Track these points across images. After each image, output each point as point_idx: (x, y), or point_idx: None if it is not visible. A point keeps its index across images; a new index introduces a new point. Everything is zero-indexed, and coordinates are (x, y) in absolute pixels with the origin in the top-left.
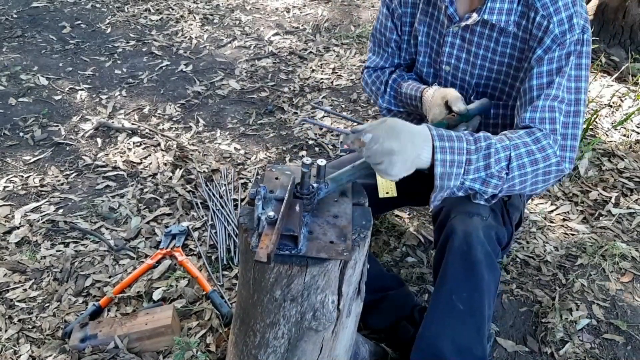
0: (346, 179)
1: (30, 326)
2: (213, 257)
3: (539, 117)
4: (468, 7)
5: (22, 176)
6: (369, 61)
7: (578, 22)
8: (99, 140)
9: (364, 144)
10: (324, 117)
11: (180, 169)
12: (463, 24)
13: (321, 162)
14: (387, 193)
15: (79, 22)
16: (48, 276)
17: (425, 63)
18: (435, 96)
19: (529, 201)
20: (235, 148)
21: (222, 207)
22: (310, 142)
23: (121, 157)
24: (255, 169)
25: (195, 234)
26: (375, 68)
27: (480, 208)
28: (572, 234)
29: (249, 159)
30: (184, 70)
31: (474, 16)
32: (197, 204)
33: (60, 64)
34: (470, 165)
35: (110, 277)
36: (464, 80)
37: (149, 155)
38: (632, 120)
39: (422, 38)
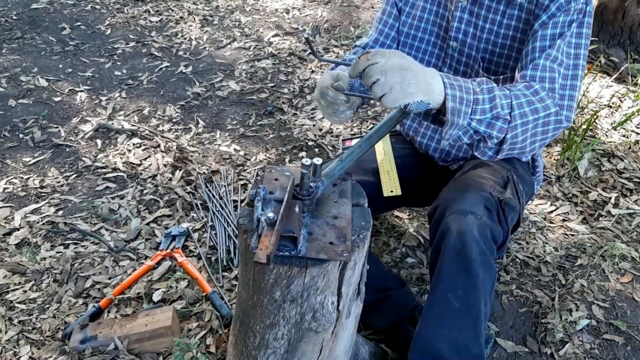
0: (338, 171)
1: (30, 327)
2: (213, 259)
3: (539, 76)
4: None
5: (22, 177)
6: (359, 41)
7: None
8: (98, 142)
9: (367, 57)
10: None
11: (180, 170)
12: None
13: (317, 160)
14: (392, 192)
15: (79, 23)
16: (48, 277)
17: (431, 42)
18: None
19: (529, 202)
20: (235, 149)
21: (222, 208)
22: (310, 143)
23: (121, 158)
24: (255, 170)
25: (195, 235)
26: (361, 46)
27: (474, 206)
28: (572, 235)
29: (249, 160)
30: (184, 71)
31: None
32: (197, 205)
33: (60, 66)
34: (478, 105)
35: (110, 278)
36: (469, 56)
37: (149, 156)
38: (631, 121)
39: (431, 17)
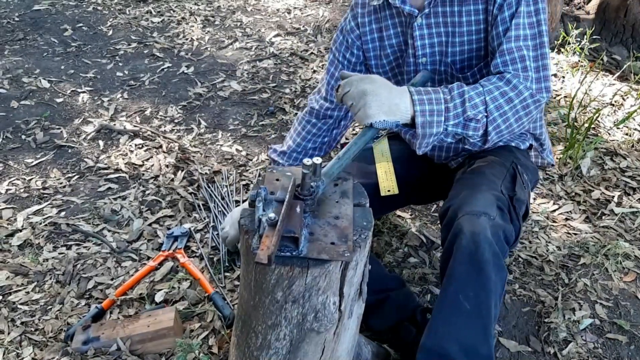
0: (337, 169)
1: (32, 329)
2: (215, 259)
3: (509, 59)
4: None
5: (25, 179)
6: (313, 101)
7: None
8: (100, 143)
9: (339, 89)
10: None
11: (182, 170)
12: (426, 10)
13: (317, 160)
14: (389, 191)
15: (81, 24)
16: (50, 279)
17: (404, 63)
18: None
19: (531, 200)
20: (236, 149)
21: (224, 208)
22: None
23: (123, 159)
24: (256, 170)
25: (197, 236)
26: (318, 111)
27: (487, 207)
28: (575, 234)
29: (251, 160)
30: (186, 72)
31: None
32: (199, 205)
33: (62, 67)
34: (449, 112)
35: (112, 279)
36: (442, 63)
37: (151, 157)
38: (634, 119)
39: (395, 44)
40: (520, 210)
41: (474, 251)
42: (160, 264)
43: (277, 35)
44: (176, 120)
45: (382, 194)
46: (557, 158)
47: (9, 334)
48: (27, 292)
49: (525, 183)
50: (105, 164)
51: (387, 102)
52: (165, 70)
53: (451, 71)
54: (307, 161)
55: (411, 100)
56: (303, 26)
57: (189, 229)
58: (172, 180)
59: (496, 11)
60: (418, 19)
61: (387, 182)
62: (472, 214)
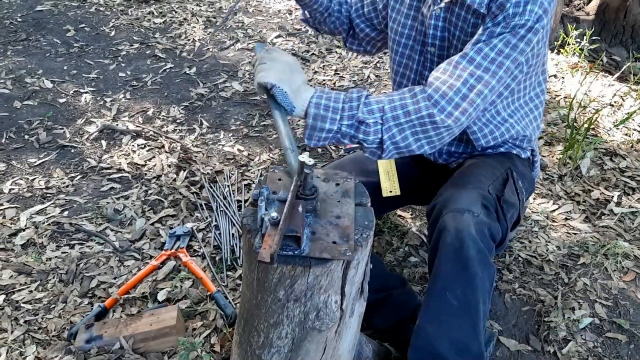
0: (287, 140)
1: (36, 327)
2: (217, 258)
3: (443, 68)
4: None
5: (28, 179)
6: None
7: (533, 10)
8: (103, 143)
9: (266, 49)
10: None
11: (184, 170)
12: (443, 4)
13: (302, 157)
14: (391, 192)
15: (83, 25)
16: (53, 278)
17: (412, 47)
18: None
19: (531, 200)
20: (238, 149)
21: (226, 208)
22: None
23: (126, 159)
24: (258, 170)
25: (200, 235)
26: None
27: (471, 205)
28: (575, 233)
29: (253, 160)
30: (188, 72)
31: None
32: (201, 205)
33: (65, 67)
34: (344, 112)
35: (115, 278)
36: (448, 58)
37: (153, 157)
38: (633, 120)
39: (409, 22)
40: (509, 212)
41: (458, 248)
42: (163, 263)
43: (279, 36)
44: (178, 121)
45: (384, 194)
46: (556, 158)
47: (12, 332)
48: (31, 291)
49: (519, 190)
50: (108, 164)
51: (297, 84)
52: (167, 70)
53: None
54: (309, 161)
55: (312, 94)
56: (304, 27)
57: (191, 228)
58: (175, 180)
59: (481, 29)
60: (437, 9)
61: (389, 182)
62: (456, 211)
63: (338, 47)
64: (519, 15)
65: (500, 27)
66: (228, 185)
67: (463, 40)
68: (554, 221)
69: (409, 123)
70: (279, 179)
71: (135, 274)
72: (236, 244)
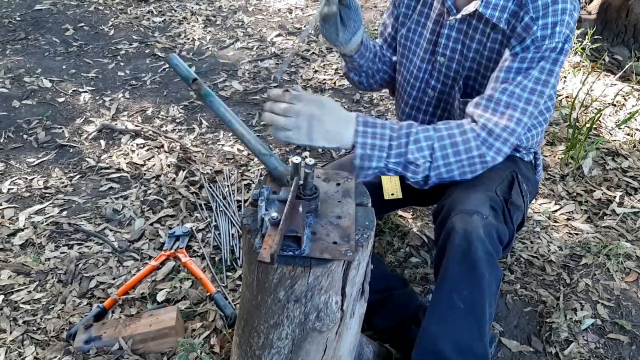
0: (260, 145)
1: (34, 328)
2: (217, 258)
3: (484, 105)
4: (467, 1)
5: (26, 178)
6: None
7: (561, 31)
8: (102, 142)
9: (286, 96)
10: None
11: (184, 170)
12: (459, 15)
13: (296, 159)
14: (392, 195)
15: (82, 24)
16: (52, 278)
17: (422, 56)
18: None
19: (533, 201)
20: (238, 149)
21: (226, 208)
22: None
23: (125, 158)
24: (258, 170)
25: (199, 235)
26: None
27: (480, 206)
28: (577, 234)
29: (252, 160)
30: None
31: (471, 6)
32: (200, 205)
33: (64, 66)
34: (392, 150)
35: (114, 278)
36: (456, 72)
37: (153, 157)
38: (635, 119)
39: (424, 30)
40: (515, 214)
41: (466, 249)
42: (162, 263)
43: (279, 35)
44: (177, 120)
45: (386, 197)
46: (558, 158)
47: (11, 333)
48: (29, 292)
49: (524, 192)
50: (107, 164)
51: (331, 130)
52: (166, 70)
53: (457, 87)
54: (309, 161)
55: (355, 131)
56: (304, 26)
57: (191, 228)
58: (174, 180)
59: (508, 55)
60: (452, 19)
61: (391, 185)
62: (465, 212)
63: None
64: (549, 38)
65: (531, 52)
66: (228, 185)
67: (475, 49)
68: (555, 221)
69: (458, 163)
70: None
71: (134, 275)
72: (236, 245)
